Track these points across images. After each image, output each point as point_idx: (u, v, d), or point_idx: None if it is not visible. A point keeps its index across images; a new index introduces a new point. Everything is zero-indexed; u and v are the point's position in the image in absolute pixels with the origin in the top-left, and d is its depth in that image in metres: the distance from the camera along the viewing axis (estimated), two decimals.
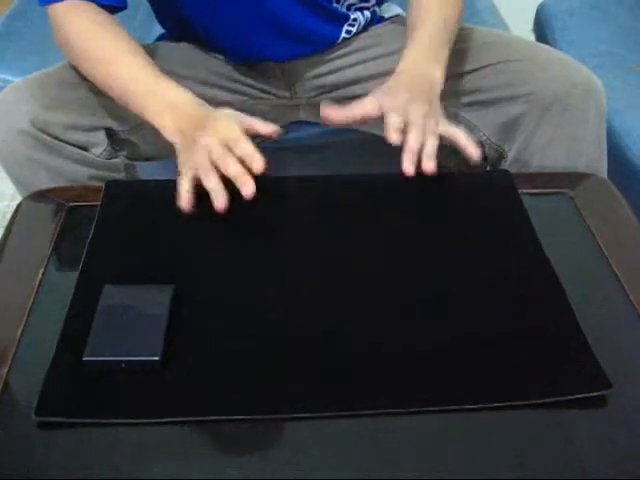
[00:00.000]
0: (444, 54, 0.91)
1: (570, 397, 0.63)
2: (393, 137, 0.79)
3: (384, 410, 0.62)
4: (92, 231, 0.81)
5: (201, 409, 0.62)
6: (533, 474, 0.58)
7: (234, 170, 0.76)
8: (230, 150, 0.77)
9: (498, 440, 0.61)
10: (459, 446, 0.60)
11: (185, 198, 0.78)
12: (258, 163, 0.75)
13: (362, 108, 0.85)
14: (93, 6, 0.92)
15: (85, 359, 0.65)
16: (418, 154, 0.80)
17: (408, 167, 0.80)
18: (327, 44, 1.08)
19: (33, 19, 1.38)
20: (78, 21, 0.92)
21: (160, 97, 0.85)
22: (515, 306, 0.72)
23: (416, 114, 0.82)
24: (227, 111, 0.83)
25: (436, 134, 0.82)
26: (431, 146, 0.81)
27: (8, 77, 1.23)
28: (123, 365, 0.65)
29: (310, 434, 0.62)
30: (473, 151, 0.82)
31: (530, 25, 1.57)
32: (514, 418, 0.63)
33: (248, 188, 0.75)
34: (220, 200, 0.76)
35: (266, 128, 0.81)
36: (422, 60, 0.90)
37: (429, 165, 0.80)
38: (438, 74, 0.89)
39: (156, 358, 0.65)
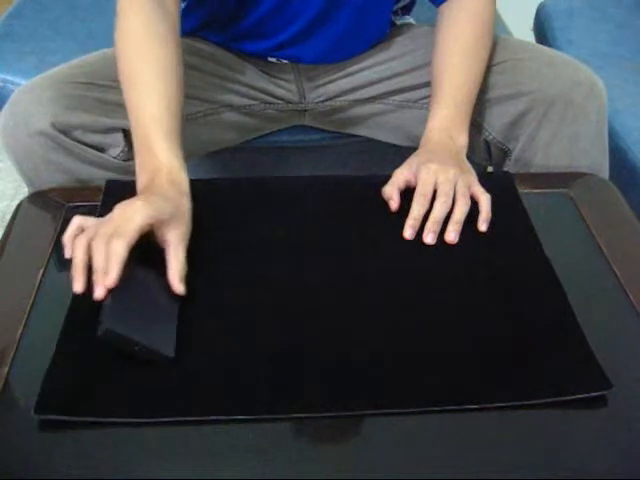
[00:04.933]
0: (467, 118, 0.93)
1: (570, 397, 0.63)
2: (407, 233, 0.80)
3: (384, 410, 0.62)
4: None
5: (201, 409, 0.62)
6: (533, 474, 0.58)
7: (97, 263, 0.67)
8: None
9: (498, 440, 0.61)
10: (459, 446, 0.60)
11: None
12: (110, 279, 0.65)
13: (397, 188, 0.84)
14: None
15: (106, 328, 0.62)
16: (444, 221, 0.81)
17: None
18: (357, 53, 1.07)
19: (33, 19, 1.38)
20: (132, 24, 0.85)
21: (149, 159, 0.78)
22: (515, 306, 0.72)
23: (446, 180, 0.82)
24: (152, 199, 0.73)
25: (467, 197, 0.82)
26: (459, 212, 0.81)
27: (8, 77, 1.22)
28: (136, 348, 0.64)
29: (310, 434, 0.62)
30: (483, 224, 0.81)
31: (530, 25, 1.57)
32: (514, 418, 0.63)
33: (99, 292, 0.66)
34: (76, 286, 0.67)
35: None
36: (447, 129, 0.91)
37: (451, 233, 0.79)
38: (463, 140, 0.91)
39: (172, 355, 0.65)
